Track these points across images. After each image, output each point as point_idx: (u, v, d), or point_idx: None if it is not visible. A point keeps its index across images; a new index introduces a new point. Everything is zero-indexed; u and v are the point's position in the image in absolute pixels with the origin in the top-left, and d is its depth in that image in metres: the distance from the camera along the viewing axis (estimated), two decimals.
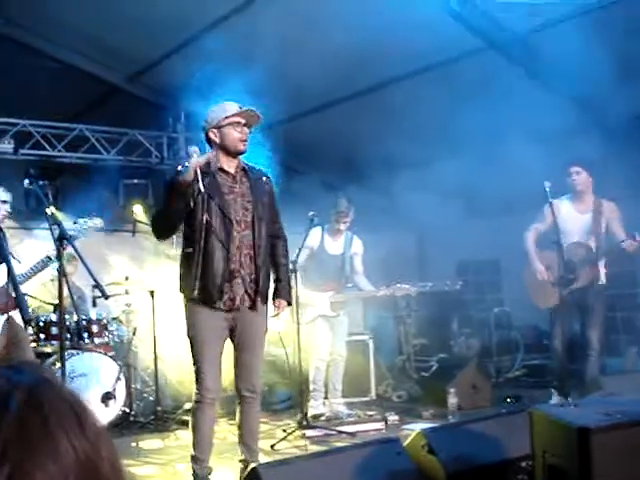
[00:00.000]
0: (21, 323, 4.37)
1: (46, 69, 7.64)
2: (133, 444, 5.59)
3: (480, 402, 6.45)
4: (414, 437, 3.44)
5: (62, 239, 3.71)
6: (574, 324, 5.88)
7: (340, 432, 5.55)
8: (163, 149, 8.32)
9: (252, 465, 3.11)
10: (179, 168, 3.79)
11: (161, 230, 4.00)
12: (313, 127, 8.33)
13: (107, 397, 5.95)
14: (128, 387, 6.23)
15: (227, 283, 3.84)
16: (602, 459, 2.58)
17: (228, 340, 4.00)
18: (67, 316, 6.05)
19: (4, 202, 4.64)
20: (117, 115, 8.13)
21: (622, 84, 5.59)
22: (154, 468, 4.92)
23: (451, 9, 5.98)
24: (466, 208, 7.78)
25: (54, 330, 6.02)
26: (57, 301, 4.19)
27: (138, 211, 7.88)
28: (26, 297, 4.97)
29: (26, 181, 4.73)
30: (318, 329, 6.23)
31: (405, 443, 3.40)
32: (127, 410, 6.21)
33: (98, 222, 4.95)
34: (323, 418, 6.08)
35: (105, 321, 6.49)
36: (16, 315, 4.43)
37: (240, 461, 4.05)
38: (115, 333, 6.68)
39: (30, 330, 5.80)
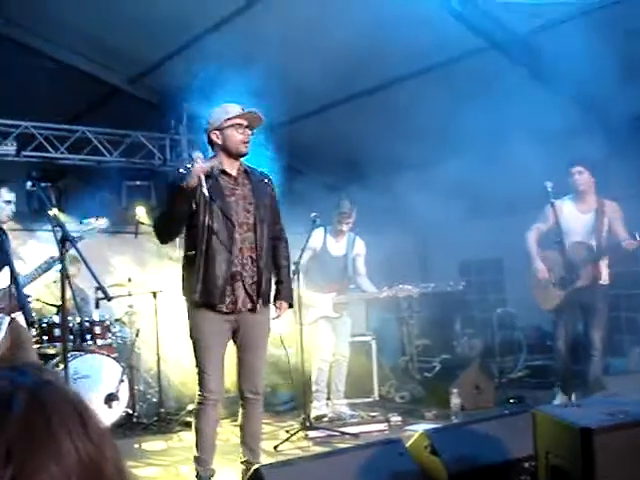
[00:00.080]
0: (24, 325, 4.37)
1: (48, 70, 7.65)
2: (136, 445, 5.59)
3: (483, 403, 6.44)
4: (417, 438, 3.44)
5: (65, 241, 3.71)
6: (577, 324, 5.88)
7: (343, 433, 5.55)
8: (166, 151, 8.33)
9: (255, 466, 3.10)
10: (181, 170, 3.80)
11: (164, 234, 4.00)
12: (315, 128, 8.34)
13: (110, 398, 5.96)
14: (131, 388, 6.23)
15: (229, 286, 3.84)
16: (605, 459, 2.57)
17: (230, 341, 4.01)
18: (70, 318, 6.06)
19: (8, 202, 4.65)
20: (119, 117, 8.14)
21: (624, 84, 5.58)
22: (157, 469, 4.93)
23: (452, 9, 5.98)
24: (468, 208, 7.78)
25: (57, 332, 6.03)
26: (60, 303, 4.20)
27: (141, 213, 7.88)
28: (30, 299, 5.00)
29: (28, 183, 4.74)
30: (320, 330, 6.23)
31: (408, 444, 3.40)
32: (130, 411, 6.21)
33: (104, 222, 4.96)
34: (326, 419, 6.08)
35: (108, 323, 6.51)
36: (20, 317, 4.44)
37: (242, 462, 4.05)
38: (118, 335, 6.70)
39: (33, 332, 5.81)
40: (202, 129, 4.11)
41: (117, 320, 6.80)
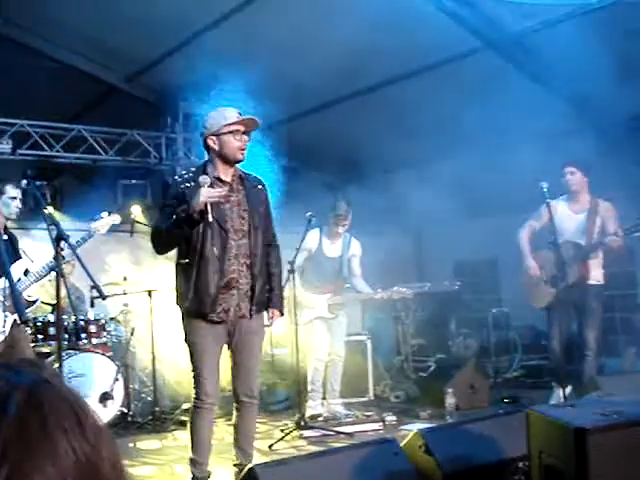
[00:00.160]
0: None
1: (44, 69, 7.65)
2: (131, 444, 5.59)
3: (478, 402, 6.45)
4: (411, 437, 3.44)
5: (60, 239, 3.70)
6: (571, 324, 5.90)
7: (338, 432, 5.56)
8: (161, 149, 8.32)
9: (249, 465, 3.10)
10: (182, 186, 3.79)
11: (161, 248, 3.97)
12: (313, 127, 8.34)
13: (105, 397, 5.95)
14: (126, 387, 6.23)
15: (221, 294, 3.82)
16: (599, 459, 2.58)
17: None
18: (65, 316, 6.06)
19: (13, 198, 4.65)
20: (115, 115, 8.13)
21: (620, 84, 5.59)
22: (152, 468, 4.93)
23: (446, 7, 5.98)
24: (464, 208, 7.79)
25: (52, 330, 6.02)
26: (55, 301, 4.20)
27: (136, 211, 7.87)
28: (38, 302, 4.99)
29: (24, 181, 4.73)
30: (316, 330, 6.22)
31: (402, 443, 3.40)
32: (125, 410, 6.21)
33: (117, 218, 4.95)
34: (321, 418, 6.08)
35: (103, 321, 6.50)
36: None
37: (235, 465, 4.05)
38: (113, 333, 6.69)
39: (28, 330, 5.80)
40: (198, 127, 4.10)
41: (112, 319, 6.79)
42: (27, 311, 4.88)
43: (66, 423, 0.72)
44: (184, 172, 4.05)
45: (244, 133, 3.88)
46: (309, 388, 6.22)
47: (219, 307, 3.83)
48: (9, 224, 4.81)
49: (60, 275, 3.72)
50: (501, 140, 6.86)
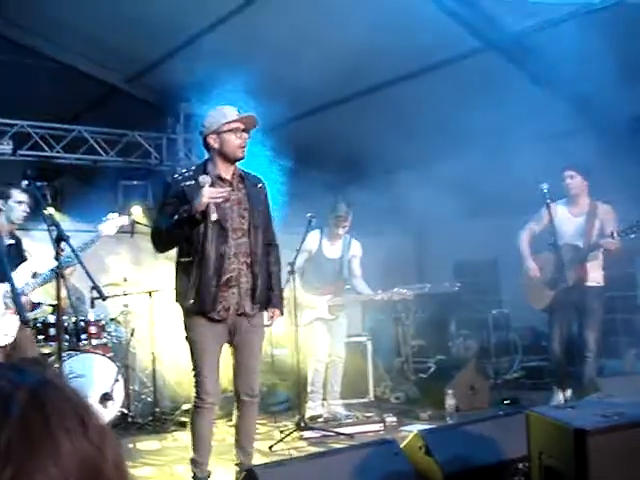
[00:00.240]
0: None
1: (45, 70, 7.65)
2: (131, 445, 5.59)
3: (478, 404, 6.45)
4: (411, 438, 3.44)
5: (60, 240, 3.70)
6: (572, 326, 5.90)
7: (338, 433, 5.56)
8: (162, 150, 8.32)
9: (249, 467, 3.11)
10: (182, 185, 3.79)
11: (161, 247, 3.98)
12: (314, 128, 8.34)
13: (105, 398, 5.95)
14: (126, 388, 6.22)
15: (222, 293, 3.83)
16: (599, 461, 2.57)
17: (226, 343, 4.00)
18: (65, 317, 6.06)
19: (20, 203, 4.65)
20: (116, 116, 8.13)
21: (623, 85, 5.59)
22: (152, 469, 4.93)
23: (446, 7, 5.98)
24: (464, 209, 7.79)
25: (52, 331, 6.02)
26: (55, 302, 4.20)
27: (137, 212, 7.87)
28: (43, 304, 5.00)
29: (24, 182, 4.73)
30: (316, 331, 6.22)
31: (402, 444, 3.41)
32: (125, 411, 6.21)
33: (126, 219, 4.94)
34: (321, 419, 6.08)
35: (103, 322, 6.50)
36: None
37: (236, 464, 4.05)
38: (113, 334, 6.69)
39: (28, 331, 5.80)
40: (198, 129, 4.09)
41: (112, 319, 6.79)
42: (33, 313, 4.90)
43: (69, 423, 0.71)
44: (184, 170, 4.06)
45: (244, 131, 3.89)
46: (309, 389, 6.22)
47: (219, 305, 3.83)
48: (14, 227, 4.80)
49: (60, 276, 3.72)
50: (502, 141, 6.86)
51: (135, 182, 8.32)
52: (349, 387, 6.65)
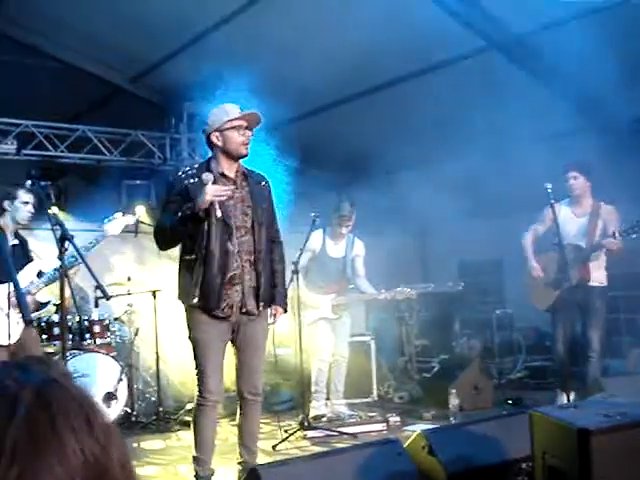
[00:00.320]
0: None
1: (49, 70, 7.67)
2: (135, 444, 5.59)
3: (481, 403, 6.44)
4: (414, 438, 3.44)
5: (64, 239, 3.71)
6: (576, 325, 5.90)
7: (341, 433, 5.56)
8: (166, 150, 8.33)
9: (252, 466, 3.11)
10: (185, 182, 3.80)
11: (164, 244, 3.99)
12: (317, 127, 8.34)
13: (109, 397, 5.96)
14: (130, 387, 6.24)
15: (226, 290, 3.83)
16: (602, 461, 2.57)
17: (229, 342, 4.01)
18: (69, 316, 6.06)
19: (26, 203, 4.66)
20: (120, 116, 8.15)
21: (627, 86, 5.58)
22: (156, 469, 4.93)
23: (449, 7, 5.98)
24: (468, 209, 7.78)
25: (56, 330, 6.03)
26: (59, 301, 4.21)
27: (140, 212, 7.87)
28: (50, 304, 5.00)
29: (28, 182, 4.75)
30: (320, 331, 6.22)
31: (406, 444, 3.40)
32: (129, 410, 6.22)
33: (131, 219, 4.94)
34: (324, 419, 6.08)
35: (107, 321, 6.51)
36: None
37: (239, 463, 4.05)
38: (117, 333, 6.70)
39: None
40: (202, 128, 4.10)
41: (116, 319, 6.80)
42: (38, 313, 4.91)
43: (75, 422, 0.72)
44: (187, 168, 4.06)
45: (247, 128, 3.90)
46: (313, 389, 6.22)
47: (223, 303, 3.83)
48: (18, 228, 4.82)
49: (64, 276, 3.73)
50: (505, 140, 6.85)
51: (139, 182, 8.34)
52: (352, 387, 6.65)
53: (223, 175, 3.91)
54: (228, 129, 3.87)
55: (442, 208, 7.19)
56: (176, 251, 4.09)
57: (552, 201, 5.22)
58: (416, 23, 5.89)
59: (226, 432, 5.56)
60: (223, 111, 3.91)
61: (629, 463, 2.61)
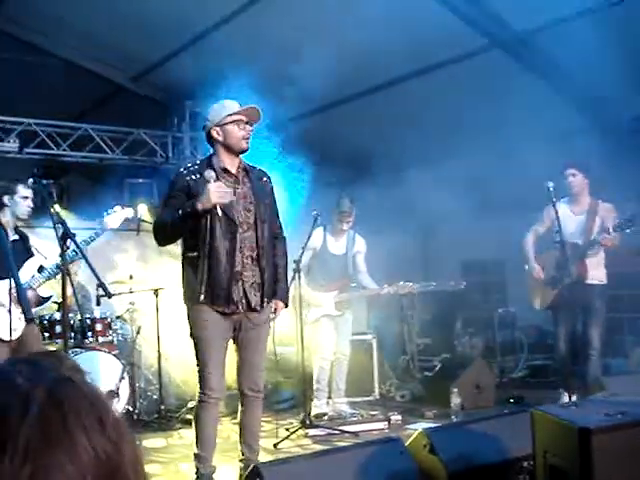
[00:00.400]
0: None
1: (51, 68, 7.67)
2: (137, 442, 5.59)
3: (483, 402, 6.44)
4: (416, 437, 3.44)
5: (66, 237, 3.72)
6: (577, 324, 5.89)
7: (343, 431, 5.56)
8: (168, 148, 8.34)
9: (253, 464, 3.11)
10: (187, 179, 3.81)
11: (163, 240, 3.99)
12: (319, 126, 8.33)
13: (111, 396, 5.96)
14: (132, 386, 6.24)
15: (232, 287, 3.84)
16: (603, 460, 2.57)
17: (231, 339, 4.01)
18: (71, 315, 6.06)
19: (25, 198, 4.67)
20: (122, 114, 8.16)
21: (629, 84, 5.58)
22: (158, 467, 4.93)
23: (453, 5, 5.97)
24: (471, 208, 7.77)
25: (58, 328, 6.03)
26: (61, 300, 4.21)
27: (143, 210, 7.89)
28: (52, 298, 5.01)
29: (30, 180, 4.76)
30: (323, 328, 6.23)
31: (407, 443, 3.40)
32: (131, 409, 6.22)
33: (131, 212, 4.95)
34: (326, 417, 6.08)
35: (109, 320, 6.51)
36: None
37: (241, 460, 4.05)
38: (119, 332, 6.70)
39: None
40: (203, 124, 4.10)
41: (118, 317, 6.80)
42: (40, 308, 4.91)
43: (86, 421, 0.72)
44: (189, 164, 4.08)
45: (247, 123, 3.91)
46: (315, 387, 6.22)
47: (229, 300, 3.84)
48: (18, 223, 4.83)
49: (66, 274, 3.73)
50: (509, 140, 6.84)
51: (141, 180, 8.35)
52: (354, 385, 6.65)
53: (225, 170, 3.92)
54: (228, 123, 3.88)
55: (444, 207, 7.18)
56: (178, 249, 4.09)
57: (554, 199, 5.22)
58: (418, 21, 5.89)
59: (228, 430, 5.57)
60: (223, 106, 3.93)
61: (630, 462, 2.61)
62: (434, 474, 3.24)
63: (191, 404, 5.98)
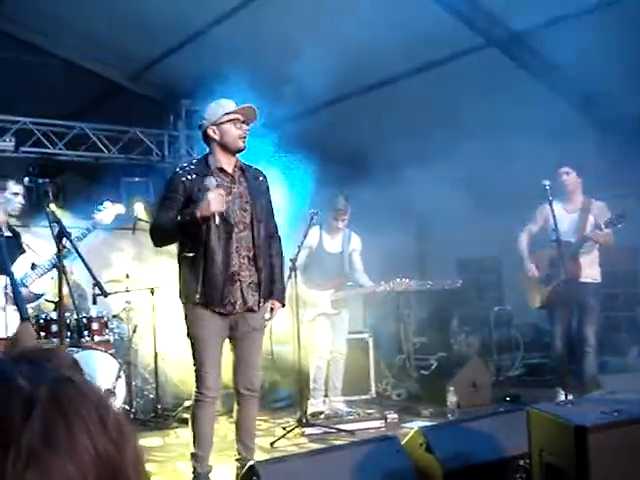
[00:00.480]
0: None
1: (47, 67, 7.66)
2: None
3: (479, 401, 6.45)
4: (412, 435, 3.44)
5: (61, 236, 3.71)
6: (572, 322, 5.91)
7: (339, 430, 5.56)
8: (164, 147, 8.33)
9: (250, 463, 3.11)
10: (183, 179, 3.80)
11: (162, 243, 4.01)
12: (317, 124, 8.33)
13: (107, 394, 5.95)
14: (128, 385, 6.23)
15: (228, 287, 3.84)
16: (599, 458, 2.58)
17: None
18: (67, 314, 6.06)
19: (16, 194, 4.67)
20: (118, 113, 8.14)
21: (627, 83, 5.58)
22: (154, 466, 4.92)
23: (449, 4, 5.98)
24: (467, 206, 7.78)
25: (54, 328, 6.02)
26: (57, 299, 4.21)
27: (139, 209, 7.88)
28: (44, 295, 5.00)
29: (26, 179, 4.76)
30: (319, 327, 6.23)
31: (403, 441, 3.40)
32: (127, 408, 6.21)
33: (121, 208, 4.95)
34: (322, 416, 6.08)
35: (105, 319, 6.50)
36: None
37: (237, 459, 4.05)
38: (115, 331, 6.69)
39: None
40: (199, 123, 4.10)
41: (114, 316, 6.79)
42: (33, 304, 4.91)
43: (88, 421, 0.71)
44: (185, 164, 4.07)
45: (243, 122, 3.90)
46: (311, 386, 6.22)
47: (226, 300, 3.84)
48: (12, 221, 4.82)
49: (62, 272, 3.73)
50: (505, 138, 6.84)
51: (137, 179, 8.33)
52: (350, 384, 6.66)
53: (221, 170, 3.92)
54: (225, 122, 3.88)
55: (441, 205, 7.19)
56: (175, 248, 4.09)
57: (550, 198, 5.23)
58: (415, 20, 5.89)
59: (224, 429, 5.56)
60: (219, 105, 3.93)
61: (626, 460, 2.61)
62: (430, 473, 3.24)
63: (187, 403, 5.97)
